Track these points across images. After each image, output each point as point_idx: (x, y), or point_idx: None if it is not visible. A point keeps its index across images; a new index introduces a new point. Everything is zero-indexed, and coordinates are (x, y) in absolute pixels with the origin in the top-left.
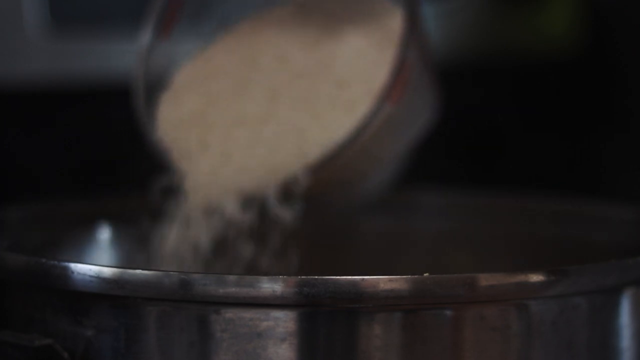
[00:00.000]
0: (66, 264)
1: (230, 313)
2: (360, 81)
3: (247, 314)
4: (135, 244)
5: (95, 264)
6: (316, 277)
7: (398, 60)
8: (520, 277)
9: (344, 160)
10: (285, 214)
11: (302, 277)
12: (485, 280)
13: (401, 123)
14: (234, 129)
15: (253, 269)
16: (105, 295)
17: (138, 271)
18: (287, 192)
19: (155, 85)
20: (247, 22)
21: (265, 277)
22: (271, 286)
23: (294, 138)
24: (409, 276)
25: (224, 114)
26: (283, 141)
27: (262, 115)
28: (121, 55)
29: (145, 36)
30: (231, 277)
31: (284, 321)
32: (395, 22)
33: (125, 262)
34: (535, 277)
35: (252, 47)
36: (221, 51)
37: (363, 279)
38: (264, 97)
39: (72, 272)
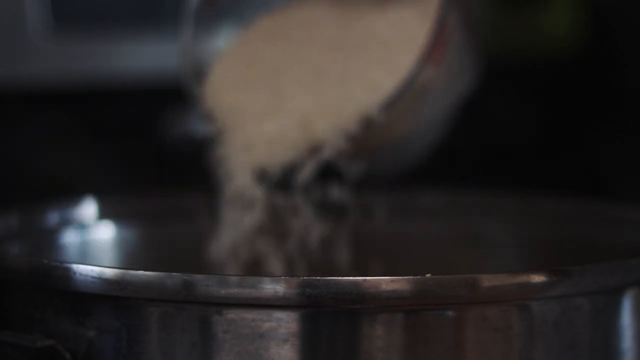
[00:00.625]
0: (68, 264)
1: (232, 314)
2: (403, 48)
3: (249, 315)
4: (136, 245)
5: (97, 265)
6: (318, 277)
7: (438, 22)
8: (522, 278)
9: (386, 120)
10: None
11: (304, 277)
12: (487, 280)
13: (443, 85)
14: (284, 90)
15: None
16: (107, 296)
17: (140, 272)
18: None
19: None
20: (291, 3)
21: (268, 278)
22: (273, 287)
23: (338, 98)
24: (411, 277)
25: (274, 77)
26: (326, 101)
27: (310, 76)
28: (123, 56)
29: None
30: (233, 278)
31: (286, 322)
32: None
33: (127, 262)
34: (537, 278)
35: (300, 19)
36: (272, 21)
37: (365, 279)
38: (312, 61)
39: (74, 273)
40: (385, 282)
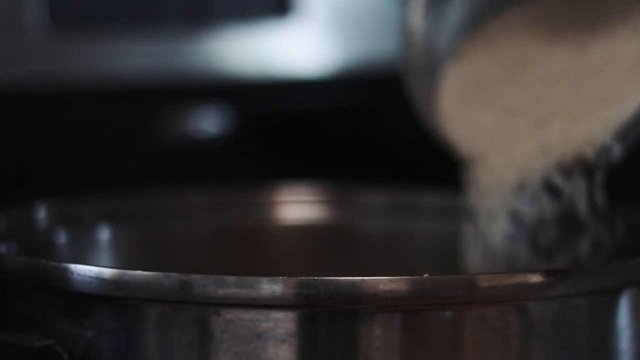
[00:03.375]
0: (66, 265)
1: (230, 314)
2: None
3: (247, 315)
4: (135, 245)
5: (95, 265)
6: (316, 278)
7: None
8: (521, 278)
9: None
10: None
11: (302, 277)
12: (486, 280)
13: None
14: (520, 110)
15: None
16: (105, 296)
17: (138, 272)
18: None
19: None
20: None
21: (265, 278)
22: (271, 287)
23: (586, 114)
24: (409, 277)
25: (507, 95)
26: (579, 116)
27: (548, 97)
28: (121, 56)
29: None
30: (231, 278)
31: (283, 322)
32: None
33: (125, 262)
34: (536, 278)
35: (523, 34)
36: (494, 38)
37: (363, 279)
38: (546, 82)
39: (72, 273)
40: (383, 282)
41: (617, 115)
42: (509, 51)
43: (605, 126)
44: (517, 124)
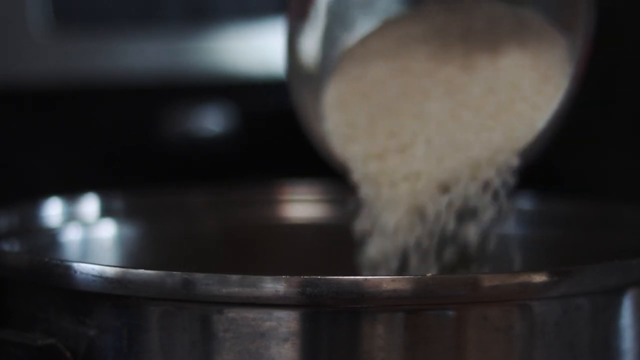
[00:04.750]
0: (69, 263)
1: (233, 313)
2: (537, 79)
3: (250, 314)
4: (138, 243)
5: (98, 264)
6: (319, 277)
7: (584, 49)
8: (523, 278)
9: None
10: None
11: (305, 277)
12: (488, 280)
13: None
14: (419, 126)
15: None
16: (107, 295)
17: (140, 271)
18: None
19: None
20: (401, 15)
21: (268, 277)
22: (274, 286)
23: (481, 131)
24: (412, 276)
25: (397, 114)
26: (470, 134)
27: (443, 111)
28: (123, 54)
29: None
30: (234, 277)
31: (286, 321)
32: (558, 50)
33: (128, 261)
34: (538, 278)
35: (402, 53)
36: (372, 57)
37: (366, 279)
38: (440, 94)
39: (75, 272)
40: (386, 282)
41: (517, 138)
42: (388, 69)
43: (502, 151)
44: (405, 145)
